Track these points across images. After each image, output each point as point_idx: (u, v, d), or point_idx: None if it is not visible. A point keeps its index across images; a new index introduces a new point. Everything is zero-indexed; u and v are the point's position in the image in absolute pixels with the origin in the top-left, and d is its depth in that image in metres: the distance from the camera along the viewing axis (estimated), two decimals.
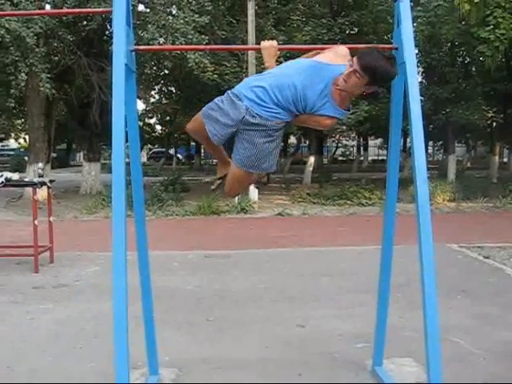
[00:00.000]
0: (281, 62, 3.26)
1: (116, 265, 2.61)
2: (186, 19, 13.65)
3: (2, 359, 4.08)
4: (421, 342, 2.88)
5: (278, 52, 3.20)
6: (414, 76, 2.96)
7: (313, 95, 2.97)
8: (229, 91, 3.12)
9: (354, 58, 2.89)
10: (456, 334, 4.45)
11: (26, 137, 25.59)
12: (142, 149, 33.71)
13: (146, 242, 3.53)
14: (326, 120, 3.04)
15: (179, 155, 40.12)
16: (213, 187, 3.65)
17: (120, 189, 2.66)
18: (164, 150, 38.24)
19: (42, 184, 7.35)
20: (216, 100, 3.12)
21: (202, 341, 4.48)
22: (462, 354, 4.09)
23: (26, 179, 8.44)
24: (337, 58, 3.04)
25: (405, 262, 5.76)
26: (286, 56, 11.80)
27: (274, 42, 3.21)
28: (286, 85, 2.96)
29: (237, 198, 13.41)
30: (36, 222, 6.89)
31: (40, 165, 9.84)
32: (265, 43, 3.21)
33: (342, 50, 3.09)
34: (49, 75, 13.69)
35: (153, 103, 30.21)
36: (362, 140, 37.67)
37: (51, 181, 7.83)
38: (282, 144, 35.09)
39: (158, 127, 35.92)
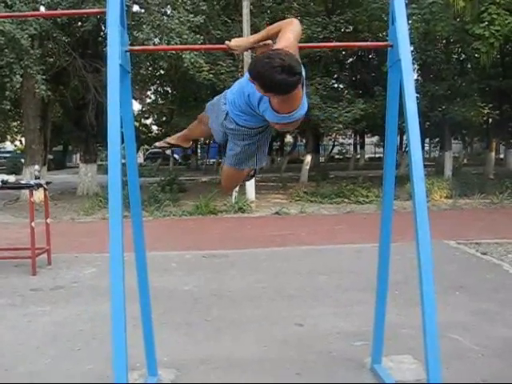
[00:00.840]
0: None
1: (113, 266, 2.60)
2: (181, 19, 13.64)
3: (0, 362, 4.06)
4: (419, 339, 2.88)
5: None
6: (409, 73, 2.95)
7: (254, 102, 2.84)
8: (226, 90, 3.19)
9: None
10: (454, 331, 4.45)
11: (22, 139, 25.55)
12: (138, 149, 33.75)
13: (144, 243, 3.52)
14: (274, 125, 2.87)
15: (176, 156, 40.06)
16: (157, 144, 3.88)
17: (116, 190, 2.66)
18: (160, 150, 38.13)
19: (39, 186, 7.33)
20: (218, 96, 3.22)
21: (200, 341, 4.47)
22: (460, 351, 4.10)
23: (23, 181, 8.42)
24: None
25: (402, 260, 5.78)
26: None
27: (269, 41, 3.19)
28: (241, 92, 2.94)
29: (234, 197, 13.43)
30: (33, 224, 6.87)
31: (36, 167, 9.85)
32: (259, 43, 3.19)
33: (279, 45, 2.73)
34: (44, 77, 13.67)
35: (149, 104, 30.21)
36: (358, 138, 37.66)
37: (48, 183, 7.82)
38: (279, 143, 35.23)
39: (155, 128, 35.95)
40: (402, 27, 3.01)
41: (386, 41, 3.27)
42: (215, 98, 3.24)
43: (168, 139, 3.73)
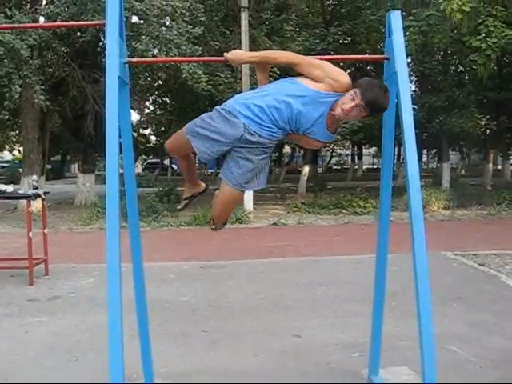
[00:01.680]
0: (274, 72, 3.28)
1: (110, 276, 2.60)
2: (180, 30, 13.71)
3: None
4: (416, 350, 2.88)
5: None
6: (405, 86, 2.97)
7: (307, 122, 3.00)
8: (218, 108, 3.08)
9: (358, 92, 2.91)
10: (452, 342, 4.45)
11: (21, 148, 25.58)
12: (136, 160, 33.72)
13: (141, 254, 3.52)
14: (315, 142, 3.13)
15: (174, 166, 40.05)
16: (179, 207, 3.71)
17: (114, 200, 2.66)
18: (159, 160, 38.22)
19: (37, 196, 7.33)
20: (204, 117, 3.08)
21: (197, 352, 4.46)
22: (457, 362, 4.09)
23: (21, 191, 8.41)
24: (327, 87, 2.99)
25: (400, 270, 5.78)
26: (279, 66, 11.84)
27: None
28: (283, 106, 2.96)
29: None
30: (30, 234, 6.87)
31: (34, 177, 9.82)
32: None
33: (343, 81, 3.00)
34: (43, 87, 13.71)
35: (147, 114, 30.25)
36: (356, 149, 37.76)
37: (45, 193, 7.81)
38: (277, 154, 35.25)
39: (153, 138, 35.97)
40: (398, 40, 3.03)
41: (383, 53, 3.30)
42: (204, 118, 3.06)
43: (184, 195, 3.63)
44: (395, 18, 3.09)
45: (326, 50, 17.41)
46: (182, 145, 3.17)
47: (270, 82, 3.24)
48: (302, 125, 3.00)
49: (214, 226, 3.61)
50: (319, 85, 3.01)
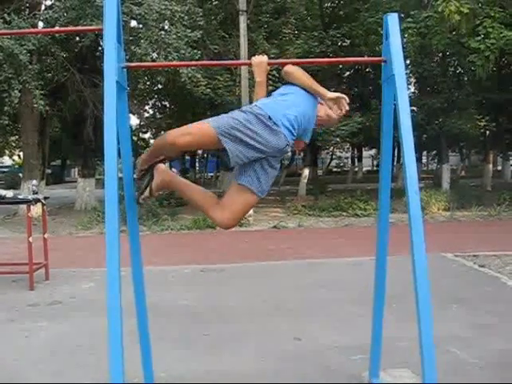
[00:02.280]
0: (273, 75, 3.33)
1: (110, 281, 2.61)
2: (179, 34, 13.75)
3: None
4: (417, 352, 2.87)
5: (268, 67, 3.25)
6: (403, 88, 2.98)
7: (311, 125, 3.29)
8: (252, 111, 2.96)
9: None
10: (452, 344, 4.45)
11: (21, 153, 25.60)
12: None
13: (140, 258, 3.52)
14: (302, 144, 3.32)
15: (174, 169, 39.95)
16: (136, 176, 3.34)
17: (113, 204, 2.66)
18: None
19: (37, 201, 7.34)
20: (239, 119, 2.92)
21: (198, 356, 4.46)
22: (458, 364, 4.09)
23: (21, 196, 8.42)
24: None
25: (400, 272, 5.76)
26: (279, 69, 11.87)
27: (265, 58, 3.25)
28: (307, 116, 3.15)
29: None
30: (31, 239, 6.87)
31: (34, 181, 9.82)
32: (255, 60, 3.24)
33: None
34: (42, 92, 13.75)
35: (147, 118, 30.29)
36: (356, 151, 37.77)
37: (46, 197, 7.81)
38: None
39: (153, 142, 36.02)
40: (396, 43, 3.04)
41: (382, 55, 3.30)
42: (241, 121, 2.91)
43: (140, 166, 3.25)
44: (392, 21, 3.10)
45: (325, 53, 17.43)
46: (204, 143, 2.99)
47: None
48: (308, 129, 3.24)
49: (142, 201, 3.27)
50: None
